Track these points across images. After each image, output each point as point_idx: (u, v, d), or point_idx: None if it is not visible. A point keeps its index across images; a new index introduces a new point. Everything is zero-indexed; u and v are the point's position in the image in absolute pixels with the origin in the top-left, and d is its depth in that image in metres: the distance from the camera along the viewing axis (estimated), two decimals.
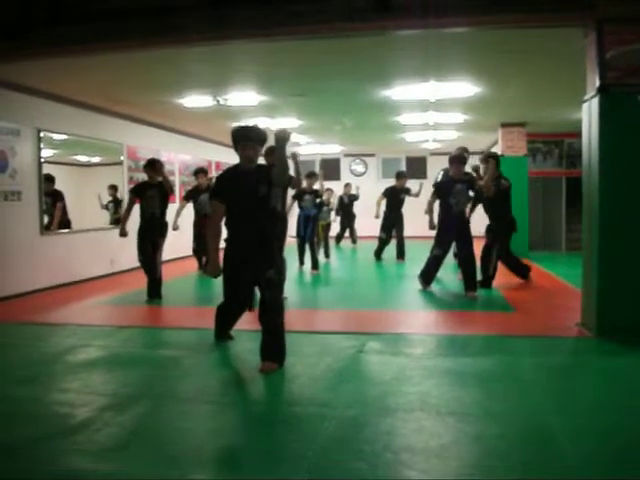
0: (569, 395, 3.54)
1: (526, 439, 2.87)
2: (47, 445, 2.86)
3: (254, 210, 4.08)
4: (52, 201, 7.99)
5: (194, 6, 4.94)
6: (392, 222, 10.58)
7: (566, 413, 3.19)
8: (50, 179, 7.98)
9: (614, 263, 4.69)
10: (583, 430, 2.97)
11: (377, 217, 10.77)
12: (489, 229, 7.48)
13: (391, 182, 10.97)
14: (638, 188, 4.66)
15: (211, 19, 4.92)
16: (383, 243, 10.75)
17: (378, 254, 10.73)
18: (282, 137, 3.85)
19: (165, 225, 6.86)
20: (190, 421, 3.22)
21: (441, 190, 7.00)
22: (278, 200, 4.22)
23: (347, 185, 13.73)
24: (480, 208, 7.77)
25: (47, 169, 7.66)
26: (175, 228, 8.40)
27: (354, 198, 13.34)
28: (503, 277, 7.49)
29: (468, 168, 7.14)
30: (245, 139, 4.10)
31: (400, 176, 10.75)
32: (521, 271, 7.71)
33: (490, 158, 7.15)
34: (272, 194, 4.10)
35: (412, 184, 11.06)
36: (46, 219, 7.76)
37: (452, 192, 6.80)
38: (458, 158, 6.94)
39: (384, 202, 10.69)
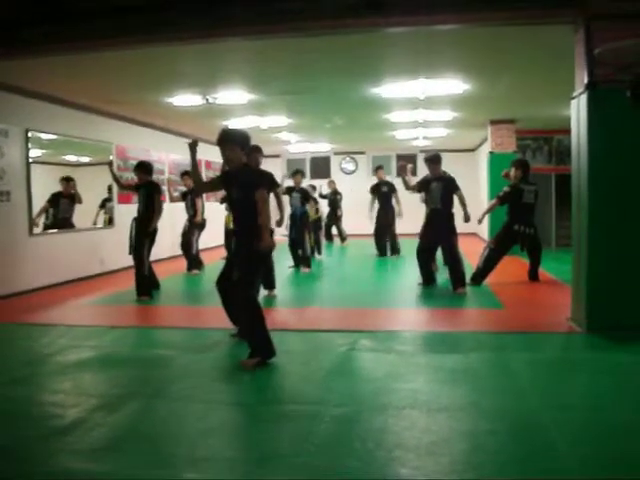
0: (560, 390, 3.56)
1: (517, 435, 2.88)
2: (39, 445, 2.84)
3: (234, 211, 4.37)
4: (71, 202, 8.46)
5: (186, 4, 4.92)
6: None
7: (557, 408, 3.21)
8: (70, 181, 8.37)
9: (604, 259, 4.72)
10: (574, 425, 2.99)
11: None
12: None
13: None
14: (627, 184, 4.69)
15: (203, 17, 4.90)
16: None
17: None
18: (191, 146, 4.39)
19: (145, 224, 6.67)
20: (182, 421, 3.21)
21: (422, 186, 7.31)
22: (251, 202, 4.12)
23: (331, 182, 13.90)
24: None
25: (35, 169, 7.59)
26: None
27: (331, 197, 13.46)
28: (492, 274, 7.50)
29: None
30: (218, 143, 4.24)
31: (376, 169, 11.04)
32: (532, 273, 7.75)
33: (518, 164, 7.67)
34: (246, 196, 4.13)
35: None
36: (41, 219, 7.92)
37: (428, 189, 7.12)
38: (430, 159, 7.22)
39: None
